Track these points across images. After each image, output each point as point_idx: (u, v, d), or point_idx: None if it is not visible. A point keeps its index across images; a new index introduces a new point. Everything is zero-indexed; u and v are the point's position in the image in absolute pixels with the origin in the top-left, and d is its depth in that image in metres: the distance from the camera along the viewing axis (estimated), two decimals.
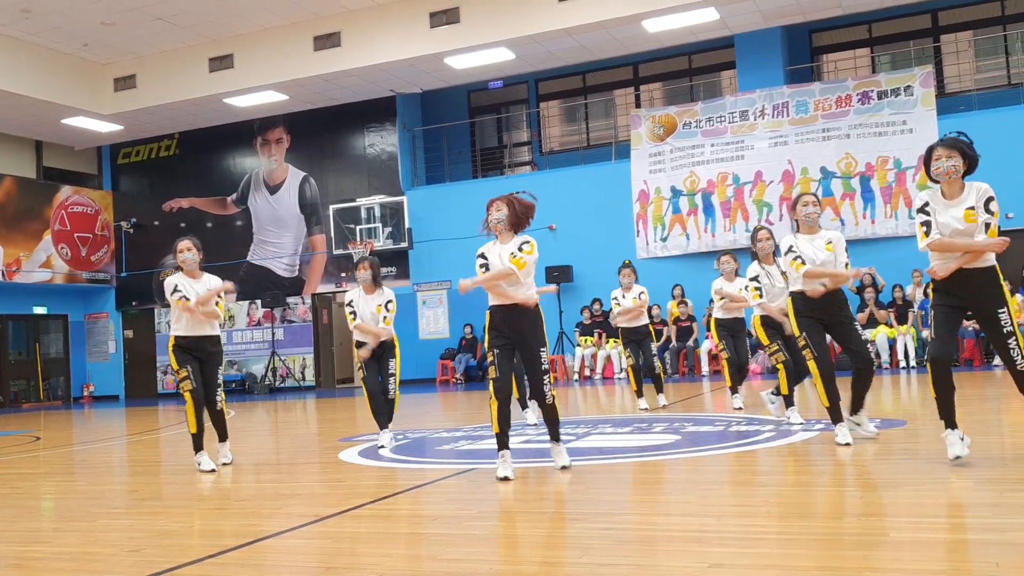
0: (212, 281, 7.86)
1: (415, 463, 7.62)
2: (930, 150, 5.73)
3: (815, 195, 7.29)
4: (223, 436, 8.12)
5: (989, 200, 5.63)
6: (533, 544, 4.59)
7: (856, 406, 7.10)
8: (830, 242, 6.98)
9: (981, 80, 19.84)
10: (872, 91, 18.29)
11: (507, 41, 18.84)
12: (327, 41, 19.85)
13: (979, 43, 20.11)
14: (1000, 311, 5.67)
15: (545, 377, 6.50)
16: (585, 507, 5.39)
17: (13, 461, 10.03)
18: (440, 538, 4.81)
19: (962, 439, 5.74)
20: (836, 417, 6.92)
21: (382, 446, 8.60)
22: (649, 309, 11.52)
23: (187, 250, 7.87)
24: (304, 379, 23.16)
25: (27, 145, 24.11)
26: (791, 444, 7.25)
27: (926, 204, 5.76)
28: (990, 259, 5.68)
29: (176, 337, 7.79)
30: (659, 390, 11.30)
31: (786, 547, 4.16)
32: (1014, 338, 5.61)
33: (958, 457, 5.65)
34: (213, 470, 7.68)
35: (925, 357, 5.91)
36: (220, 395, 7.92)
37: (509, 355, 6.52)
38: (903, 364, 16.59)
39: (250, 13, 19.37)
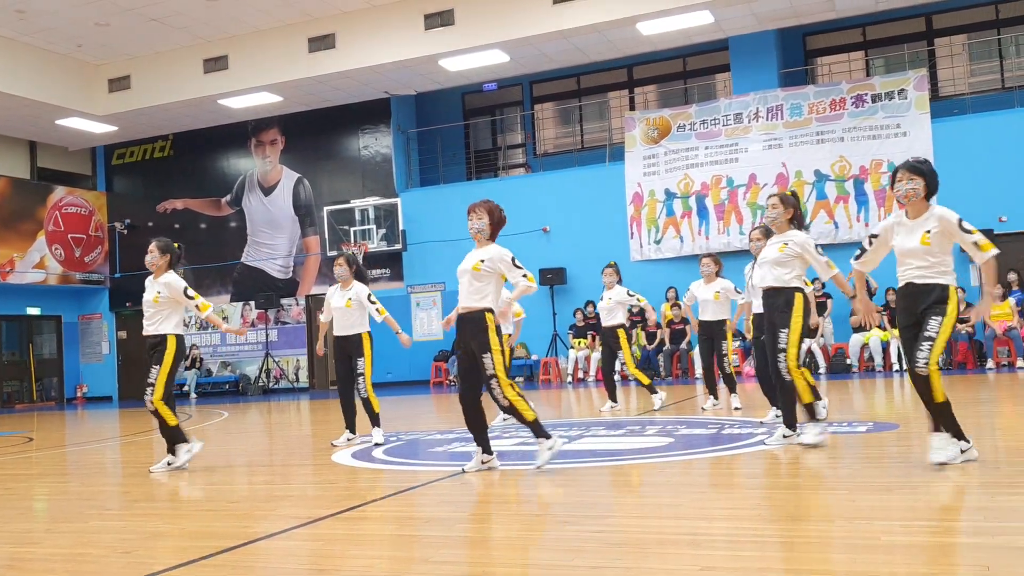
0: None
1: (408, 465, 7.61)
2: (894, 172, 5.90)
3: (781, 196, 7.39)
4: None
5: (960, 222, 5.68)
6: (525, 547, 4.59)
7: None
8: (783, 245, 7.19)
9: (975, 84, 19.90)
10: (866, 94, 18.33)
11: (501, 43, 18.86)
12: (321, 43, 19.85)
13: (973, 47, 20.16)
14: (933, 318, 5.67)
15: (492, 381, 6.49)
16: (577, 510, 5.39)
17: (6, 462, 10.00)
18: (432, 540, 4.81)
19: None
20: (808, 416, 7.17)
21: (377, 444, 8.84)
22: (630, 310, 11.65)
23: (149, 252, 7.92)
24: (298, 380, 23.15)
25: (21, 145, 24.09)
26: (783, 446, 7.25)
27: (874, 236, 6.07)
28: (942, 278, 5.72)
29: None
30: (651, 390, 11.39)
31: (777, 550, 4.17)
32: (928, 343, 5.63)
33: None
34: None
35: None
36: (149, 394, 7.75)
37: (466, 362, 6.63)
38: (896, 367, 16.61)
39: (244, 14, 19.36)
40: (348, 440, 9.13)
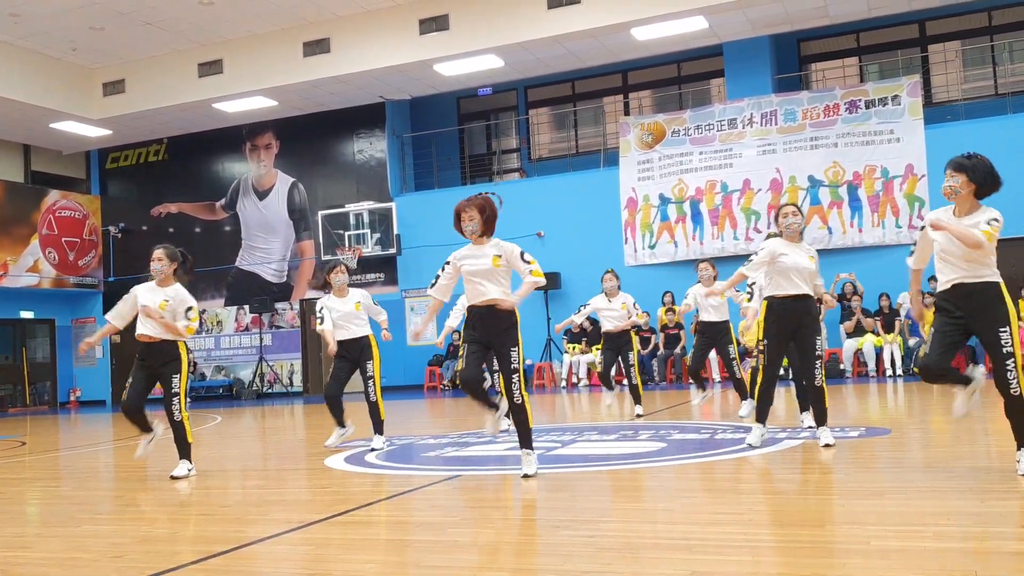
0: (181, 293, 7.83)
1: (401, 470, 7.62)
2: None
3: (797, 206, 7.44)
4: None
5: (992, 220, 5.57)
6: (517, 551, 4.60)
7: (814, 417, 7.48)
8: (812, 256, 7.31)
9: (968, 90, 19.94)
10: (860, 100, 18.36)
11: (496, 48, 18.88)
12: (316, 47, 19.86)
13: (967, 53, 20.21)
14: (1002, 330, 5.52)
15: (514, 376, 6.47)
16: (569, 514, 5.39)
17: None
18: (424, 545, 4.81)
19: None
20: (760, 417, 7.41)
21: (373, 448, 8.87)
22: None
23: (157, 260, 7.83)
24: (292, 385, 23.13)
25: (15, 149, 24.06)
26: (776, 452, 7.27)
27: (922, 228, 5.84)
28: (989, 274, 5.54)
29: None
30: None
31: (769, 555, 4.18)
32: (1012, 360, 5.49)
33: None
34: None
35: (912, 366, 5.87)
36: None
37: (481, 353, 6.58)
38: (889, 373, 16.64)
39: (240, 19, 19.37)
40: (340, 435, 9.13)
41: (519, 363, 6.48)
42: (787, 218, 7.29)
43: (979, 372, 5.88)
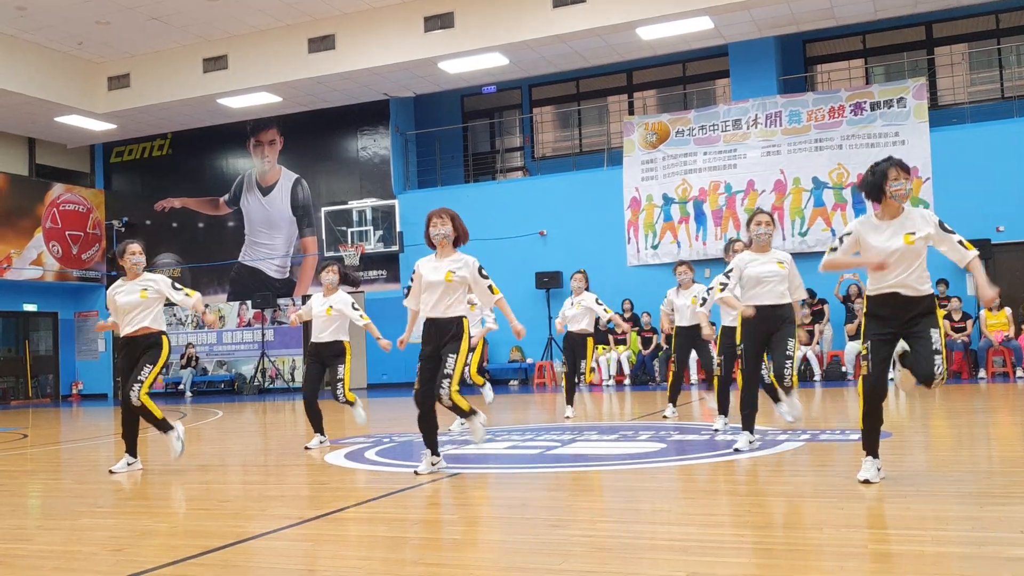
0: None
1: (400, 467, 7.62)
2: (884, 169, 5.62)
3: (770, 215, 7.45)
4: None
5: (940, 223, 5.61)
6: (514, 550, 4.60)
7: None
8: (781, 261, 7.28)
9: (974, 93, 19.91)
10: (865, 102, 18.34)
11: (501, 46, 18.87)
12: (321, 43, 19.86)
13: (973, 56, 20.18)
14: (933, 330, 5.56)
15: (445, 380, 6.63)
16: (566, 514, 5.40)
17: (0, 458, 10.02)
18: (422, 542, 4.82)
19: (878, 469, 5.81)
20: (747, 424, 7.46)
21: (308, 447, 9.09)
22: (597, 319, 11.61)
23: (140, 253, 7.94)
24: (293, 381, 23.14)
25: (20, 142, 24.08)
26: (775, 454, 7.27)
27: (847, 234, 5.79)
28: (926, 287, 5.61)
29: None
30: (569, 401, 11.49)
31: (765, 557, 4.18)
32: (939, 356, 5.54)
33: (866, 480, 5.72)
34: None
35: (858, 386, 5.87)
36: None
37: (434, 366, 6.75)
38: (891, 376, 16.58)
39: (245, 14, 19.37)
40: (320, 443, 9.20)
41: (453, 369, 6.65)
42: (759, 227, 7.29)
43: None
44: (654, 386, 17.55)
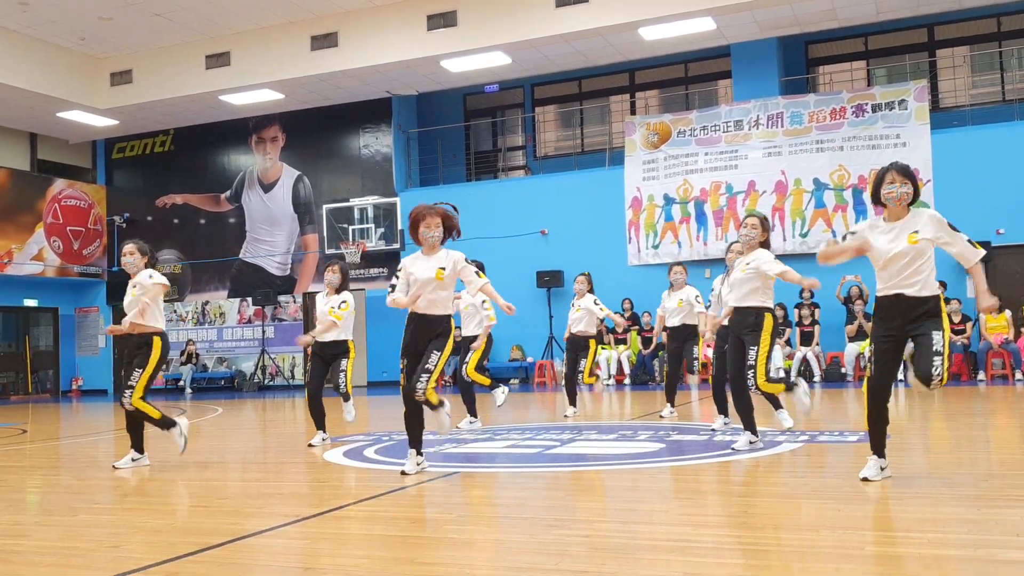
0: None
1: (399, 465, 7.62)
2: (882, 174, 5.68)
3: (761, 219, 7.52)
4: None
5: (949, 224, 5.64)
6: (511, 549, 4.60)
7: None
8: (748, 263, 7.43)
9: (976, 95, 19.92)
10: (866, 104, 18.34)
11: (504, 45, 18.88)
12: (324, 41, 19.87)
13: (975, 58, 20.18)
14: (935, 332, 5.53)
15: (424, 375, 6.64)
16: (564, 513, 5.41)
17: None
18: (420, 541, 4.82)
19: (882, 468, 5.83)
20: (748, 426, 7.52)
21: (312, 444, 9.10)
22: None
23: (130, 254, 7.96)
24: (293, 378, 23.16)
25: (22, 137, 24.10)
26: (774, 455, 7.27)
27: (852, 233, 5.86)
28: (931, 289, 5.60)
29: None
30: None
31: (762, 558, 4.18)
32: (940, 358, 5.52)
33: (866, 478, 5.76)
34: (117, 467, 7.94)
35: (863, 386, 5.88)
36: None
37: (417, 361, 6.76)
38: (901, 377, 16.59)
39: (248, 11, 19.38)
40: (323, 440, 9.20)
41: (433, 365, 6.65)
42: (744, 228, 7.56)
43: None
44: (654, 386, 17.55)
